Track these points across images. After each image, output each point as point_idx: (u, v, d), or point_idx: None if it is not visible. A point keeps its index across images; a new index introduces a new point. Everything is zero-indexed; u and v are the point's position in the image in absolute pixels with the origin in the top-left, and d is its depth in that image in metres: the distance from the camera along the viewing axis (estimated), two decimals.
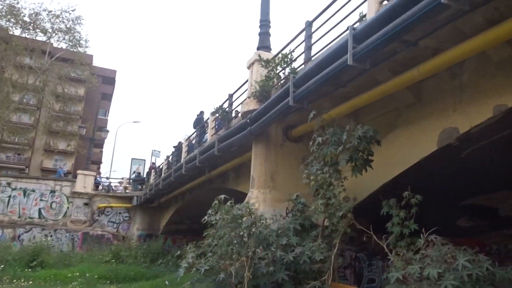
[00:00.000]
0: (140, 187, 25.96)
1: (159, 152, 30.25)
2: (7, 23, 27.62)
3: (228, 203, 6.69)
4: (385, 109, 7.22)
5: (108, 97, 54.85)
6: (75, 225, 23.89)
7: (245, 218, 6.34)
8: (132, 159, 33.34)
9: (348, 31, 5.61)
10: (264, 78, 8.97)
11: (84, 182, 24.50)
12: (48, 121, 36.79)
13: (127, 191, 26.14)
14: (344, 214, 6.17)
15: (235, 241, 6.14)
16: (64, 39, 27.34)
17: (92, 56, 41.01)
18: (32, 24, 28.18)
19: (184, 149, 16.67)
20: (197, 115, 16.04)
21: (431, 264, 4.55)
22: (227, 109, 11.67)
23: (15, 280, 11.21)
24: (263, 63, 8.71)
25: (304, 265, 6.18)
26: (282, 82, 8.42)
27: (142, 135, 70.02)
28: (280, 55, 8.54)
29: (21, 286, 10.21)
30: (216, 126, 12.79)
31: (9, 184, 23.43)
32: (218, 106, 11.77)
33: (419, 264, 4.73)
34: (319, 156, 6.65)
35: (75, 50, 28.09)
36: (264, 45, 9.84)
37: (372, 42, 5.20)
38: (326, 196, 6.30)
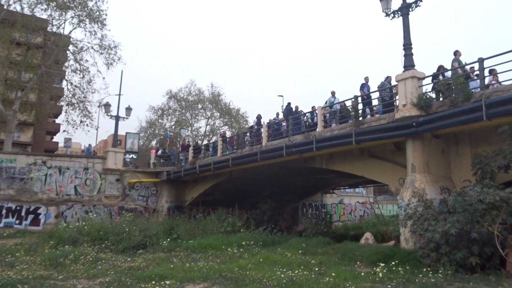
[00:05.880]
0: (166, 162, 27.38)
1: (187, 129, 31.23)
2: None
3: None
4: None
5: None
6: (109, 200, 24.89)
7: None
8: (127, 133, 33.69)
9: None
10: (422, 93, 12.20)
11: (115, 159, 25.35)
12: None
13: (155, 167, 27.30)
14: None
15: (477, 213, 9.48)
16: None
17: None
18: None
19: (265, 133, 19.07)
20: (286, 106, 18.56)
21: None
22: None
23: (188, 250, 13.16)
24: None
25: None
26: (451, 98, 11.67)
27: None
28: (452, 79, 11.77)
29: (218, 255, 12.35)
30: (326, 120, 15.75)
31: (44, 162, 23.51)
32: (345, 107, 14.71)
33: None
34: (507, 153, 10.20)
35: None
36: (409, 64, 12.91)
37: None
38: None
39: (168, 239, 14.88)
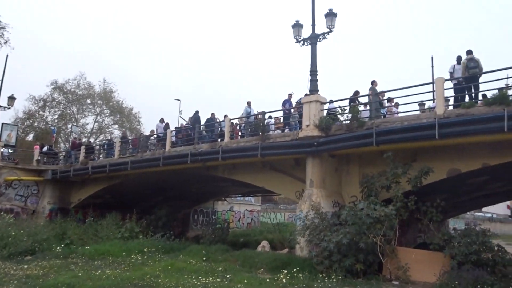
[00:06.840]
0: (52, 160, 25.18)
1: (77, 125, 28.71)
2: None
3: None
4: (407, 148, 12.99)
5: None
6: None
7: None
8: (3, 124, 30.10)
9: (435, 120, 11.07)
10: (323, 116, 13.67)
11: None
12: None
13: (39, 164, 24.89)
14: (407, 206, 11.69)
15: (365, 226, 10.98)
16: None
17: None
18: None
19: (169, 139, 18.95)
20: (194, 114, 18.62)
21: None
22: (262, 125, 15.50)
23: (85, 256, 12.36)
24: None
25: None
26: (347, 124, 13.27)
27: None
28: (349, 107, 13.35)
29: (120, 262, 11.83)
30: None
31: None
32: (255, 121, 15.53)
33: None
34: (389, 176, 12.03)
35: None
36: (314, 89, 14.30)
37: (454, 133, 10.84)
38: (398, 198, 11.72)
39: (62, 245, 13.90)
